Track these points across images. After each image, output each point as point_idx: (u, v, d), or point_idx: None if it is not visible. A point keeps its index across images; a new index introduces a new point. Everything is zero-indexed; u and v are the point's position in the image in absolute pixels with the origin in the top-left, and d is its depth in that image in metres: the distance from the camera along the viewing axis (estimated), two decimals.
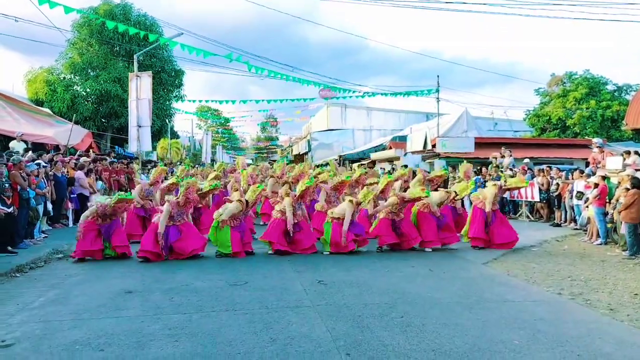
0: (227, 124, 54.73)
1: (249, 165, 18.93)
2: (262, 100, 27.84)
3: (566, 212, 12.72)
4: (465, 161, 12.23)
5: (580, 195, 11.34)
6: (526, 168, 14.99)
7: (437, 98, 25.19)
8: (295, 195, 8.67)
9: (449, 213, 9.39)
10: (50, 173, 10.69)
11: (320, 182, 10.35)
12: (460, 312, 5.13)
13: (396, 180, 10.14)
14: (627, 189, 8.77)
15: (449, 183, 13.37)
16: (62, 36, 22.84)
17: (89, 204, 10.07)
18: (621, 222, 8.99)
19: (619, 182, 9.61)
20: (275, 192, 11.06)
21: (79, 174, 12.06)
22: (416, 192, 9.04)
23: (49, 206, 10.42)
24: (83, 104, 23.60)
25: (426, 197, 8.90)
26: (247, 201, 8.41)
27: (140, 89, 17.19)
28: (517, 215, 14.26)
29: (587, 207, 10.54)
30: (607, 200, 9.92)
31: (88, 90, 23.78)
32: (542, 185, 13.53)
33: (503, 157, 16.41)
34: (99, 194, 11.96)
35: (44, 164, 10.41)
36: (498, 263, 7.93)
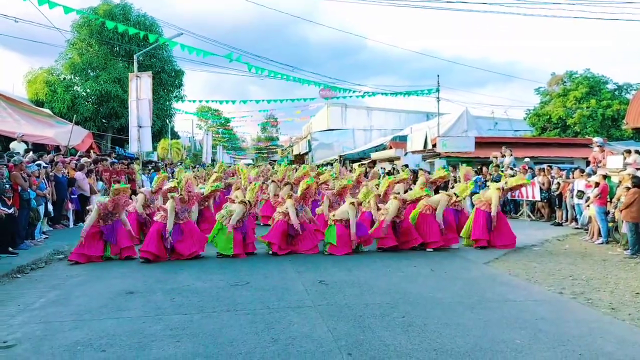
0: (228, 124, 54.76)
1: (248, 165, 18.95)
2: (262, 101, 27.87)
3: (567, 211, 12.72)
4: (464, 164, 12.22)
5: (580, 194, 11.34)
6: (527, 167, 14.97)
7: (438, 98, 25.20)
8: (297, 197, 8.67)
9: (450, 215, 9.38)
10: (50, 174, 10.69)
11: (322, 183, 10.36)
12: (462, 311, 5.12)
13: (398, 182, 10.14)
14: (628, 188, 8.76)
15: (450, 184, 13.37)
16: (62, 36, 22.85)
17: (88, 207, 10.06)
18: (622, 221, 8.99)
19: (620, 181, 9.61)
20: (277, 195, 11.08)
21: (80, 175, 12.06)
22: (416, 192, 9.04)
23: (50, 207, 10.41)
24: (83, 105, 23.58)
25: (427, 195, 8.88)
26: (249, 201, 8.41)
27: (140, 89, 17.17)
28: (518, 215, 14.25)
29: (588, 206, 10.53)
30: (608, 199, 9.92)
31: (88, 90, 23.77)
32: (543, 184, 13.52)
33: (503, 156, 16.40)
34: (99, 194, 11.96)
35: (45, 165, 10.42)
36: (499, 263, 7.93)
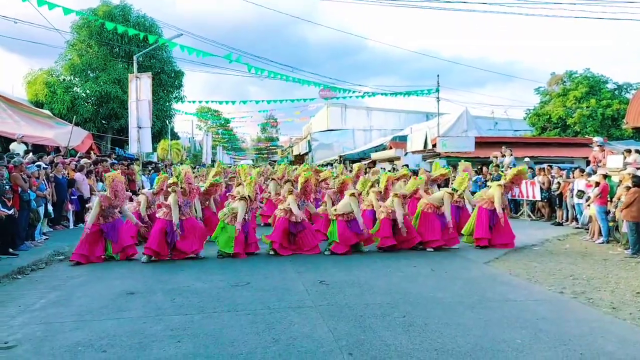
0: (227, 124, 54.74)
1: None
2: (262, 101, 27.84)
3: (567, 211, 12.72)
4: (463, 160, 12.25)
5: (581, 194, 11.34)
6: (527, 167, 14.97)
7: (437, 98, 25.19)
8: (298, 193, 8.68)
9: (452, 212, 9.36)
10: (50, 175, 10.69)
11: (322, 180, 10.41)
12: (462, 311, 5.12)
13: (398, 179, 10.15)
14: (628, 188, 8.77)
15: (450, 182, 13.36)
16: (62, 38, 22.84)
17: (88, 205, 10.05)
18: (623, 221, 8.99)
19: (620, 181, 9.61)
20: (278, 193, 11.10)
21: (79, 176, 12.06)
22: (410, 184, 9.05)
23: (50, 208, 10.41)
24: (83, 106, 23.57)
25: (420, 181, 8.99)
26: (249, 196, 8.40)
27: (140, 90, 17.17)
28: (518, 215, 14.26)
29: (588, 205, 10.53)
30: (609, 199, 9.92)
31: (88, 91, 23.76)
32: (543, 184, 13.53)
33: (504, 156, 16.40)
34: (99, 195, 11.95)
35: (45, 166, 10.42)
36: (500, 262, 7.92)
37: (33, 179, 9.30)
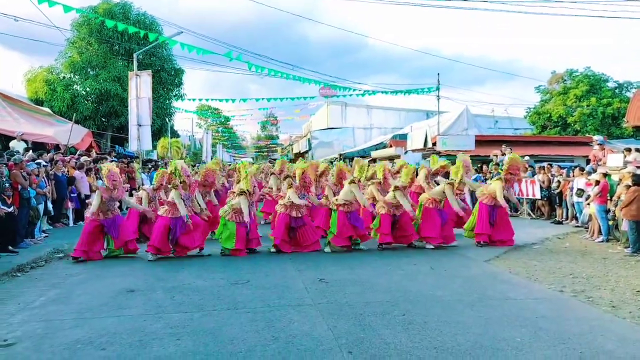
0: (227, 122, 54.71)
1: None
2: (262, 99, 27.83)
3: (567, 209, 12.72)
4: (462, 153, 12.21)
5: (581, 192, 11.34)
6: (527, 166, 14.97)
7: (438, 96, 25.19)
8: (297, 186, 8.69)
9: (451, 210, 9.37)
10: (50, 172, 10.69)
11: (321, 174, 10.47)
12: (462, 309, 5.12)
13: (397, 172, 10.17)
14: (628, 186, 8.76)
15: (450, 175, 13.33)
16: (62, 35, 22.78)
17: (88, 201, 10.04)
18: (622, 219, 8.99)
19: (620, 179, 9.61)
20: (279, 188, 11.13)
21: (79, 174, 12.06)
22: (404, 174, 9.05)
23: (50, 205, 10.42)
24: (83, 103, 23.56)
25: (414, 168, 9.18)
26: (247, 190, 8.39)
27: (140, 88, 17.18)
28: (518, 213, 14.25)
29: (588, 204, 10.53)
30: (609, 198, 9.92)
31: (88, 89, 23.75)
32: (543, 182, 13.53)
33: (504, 154, 16.37)
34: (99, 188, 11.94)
35: (45, 164, 10.42)
36: (500, 261, 7.92)
37: (33, 177, 9.30)
